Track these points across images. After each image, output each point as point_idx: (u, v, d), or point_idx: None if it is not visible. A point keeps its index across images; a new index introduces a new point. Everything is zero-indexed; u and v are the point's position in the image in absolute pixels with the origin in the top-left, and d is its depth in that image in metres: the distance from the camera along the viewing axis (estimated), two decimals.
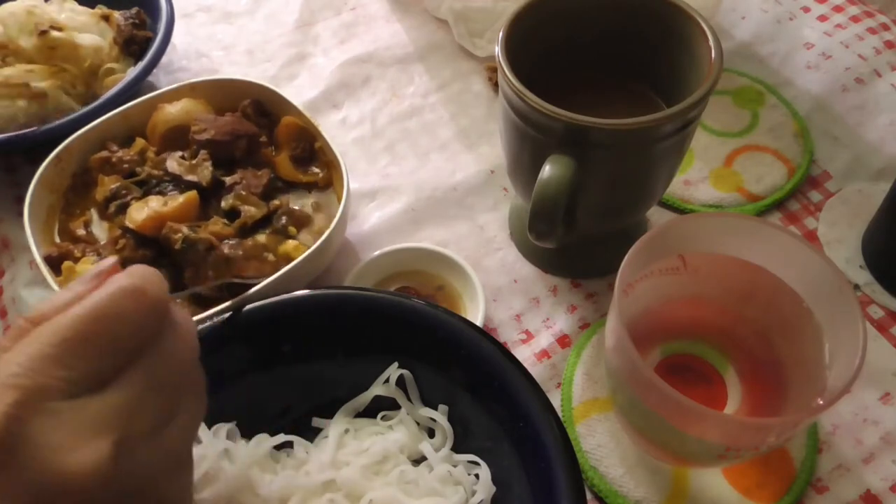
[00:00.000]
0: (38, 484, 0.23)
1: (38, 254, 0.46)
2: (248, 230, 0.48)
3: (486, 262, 0.52)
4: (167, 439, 0.27)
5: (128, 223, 0.47)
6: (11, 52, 0.60)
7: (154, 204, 0.47)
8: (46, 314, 0.26)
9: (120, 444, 0.24)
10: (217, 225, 0.47)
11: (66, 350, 0.24)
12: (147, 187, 0.50)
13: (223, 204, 0.49)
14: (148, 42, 0.62)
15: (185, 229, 0.46)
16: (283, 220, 0.49)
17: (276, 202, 0.50)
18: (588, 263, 0.51)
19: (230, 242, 0.46)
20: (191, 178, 0.49)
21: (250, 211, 0.48)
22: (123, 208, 0.49)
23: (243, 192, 0.49)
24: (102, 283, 0.27)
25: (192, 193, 0.48)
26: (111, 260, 0.29)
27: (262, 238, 0.47)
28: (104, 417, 0.25)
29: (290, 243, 0.47)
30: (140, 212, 0.47)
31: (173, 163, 0.50)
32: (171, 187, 0.49)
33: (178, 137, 0.52)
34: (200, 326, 0.40)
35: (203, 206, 0.49)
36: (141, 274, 0.27)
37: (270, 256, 0.46)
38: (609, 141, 0.38)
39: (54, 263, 0.47)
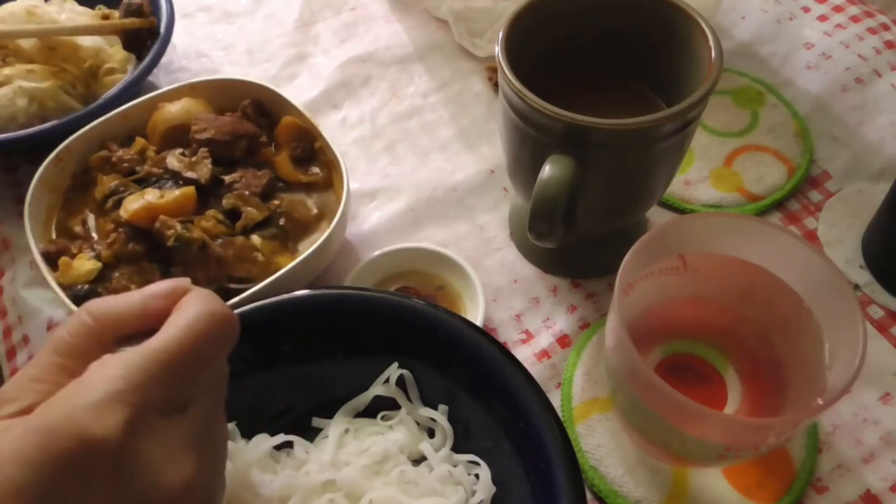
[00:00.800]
0: (143, 496, 0.25)
1: (37, 252, 0.46)
2: (247, 231, 0.48)
3: (486, 262, 0.52)
4: (222, 453, 0.30)
5: (121, 213, 0.47)
6: (11, 52, 0.60)
7: (149, 196, 0.47)
8: (113, 314, 0.28)
9: (200, 461, 0.27)
10: (210, 221, 0.47)
11: (168, 371, 0.26)
12: (146, 185, 0.50)
13: (224, 202, 0.49)
14: (152, 32, 0.62)
15: (178, 226, 0.46)
16: (282, 221, 0.49)
17: (276, 202, 0.50)
18: (588, 263, 0.51)
19: (221, 241, 0.46)
20: (190, 174, 0.49)
21: (251, 213, 0.48)
22: (121, 203, 0.49)
23: (245, 192, 0.49)
24: (176, 301, 0.29)
25: (190, 188, 0.48)
26: (185, 281, 0.31)
27: (255, 240, 0.47)
28: (190, 436, 0.27)
29: (288, 257, 0.47)
30: (134, 203, 0.47)
31: (173, 159, 0.50)
32: (170, 184, 0.49)
33: (178, 137, 0.52)
34: None
35: (201, 204, 0.49)
36: (215, 300, 0.29)
37: (260, 256, 0.46)
38: (609, 141, 0.38)
39: (51, 259, 0.47)
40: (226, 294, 0.44)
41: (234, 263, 0.46)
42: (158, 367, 0.26)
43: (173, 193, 0.48)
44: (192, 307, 0.28)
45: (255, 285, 0.44)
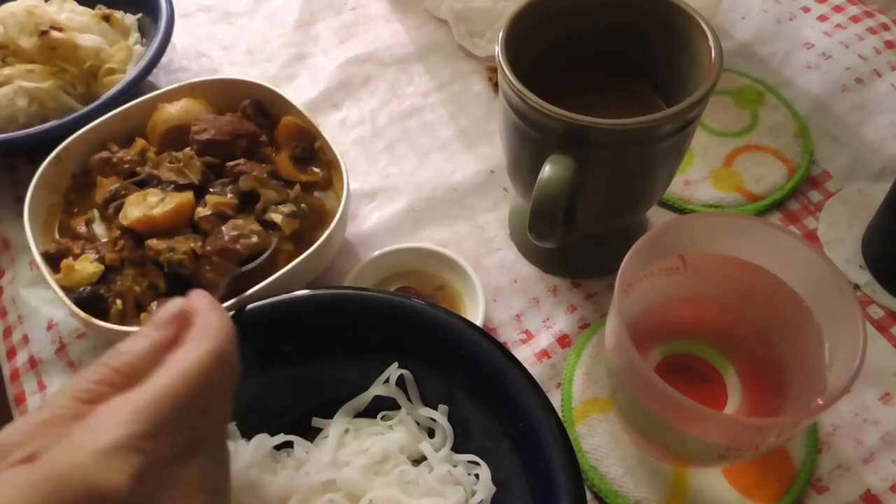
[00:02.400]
0: None
1: (37, 252, 0.46)
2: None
3: (486, 262, 0.52)
4: (228, 491, 0.30)
5: (121, 219, 0.47)
6: (11, 52, 0.60)
7: (152, 199, 0.47)
8: (134, 363, 0.28)
9: (211, 502, 0.27)
10: (188, 242, 0.46)
11: (176, 414, 0.26)
12: (147, 188, 0.50)
13: (241, 183, 0.49)
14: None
15: (164, 250, 0.46)
16: (302, 204, 0.49)
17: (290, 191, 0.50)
18: (588, 263, 0.51)
19: (211, 238, 0.46)
20: (183, 181, 0.49)
21: (270, 194, 0.48)
22: (122, 208, 0.49)
23: (263, 175, 0.49)
24: (179, 328, 0.29)
25: (186, 196, 0.48)
26: (190, 301, 0.31)
27: (276, 217, 0.47)
28: (201, 480, 0.27)
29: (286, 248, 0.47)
30: (134, 209, 0.47)
31: (165, 170, 0.50)
32: (171, 186, 0.49)
33: (177, 137, 0.52)
34: None
35: (199, 201, 0.49)
36: (217, 329, 0.29)
37: (255, 239, 0.46)
38: (609, 141, 0.38)
39: (53, 260, 0.47)
40: (241, 283, 0.44)
41: (235, 245, 0.46)
42: (167, 410, 0.26)
43: (169, 205, 0.47)
44: (199, 344, 0.28)
45: (258, 260, 0.44)
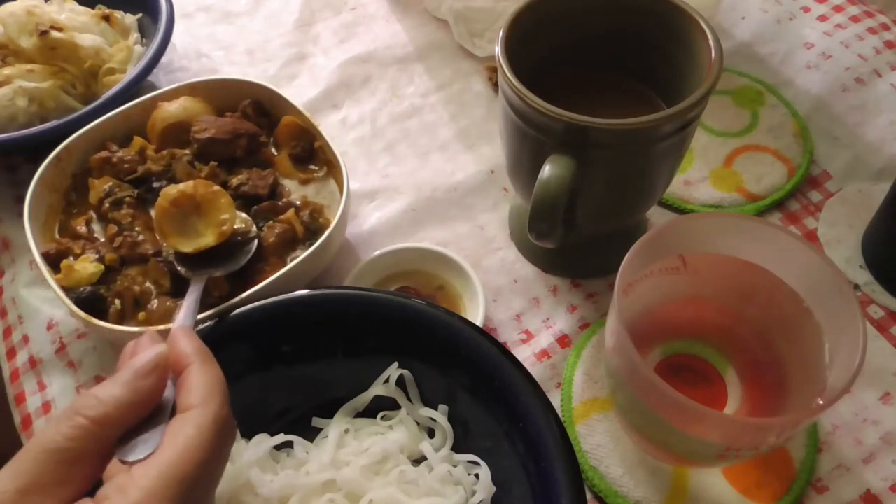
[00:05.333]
0: None
1: (37, 252, 0.46)
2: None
3: (486, 262, 0.52)
4: None
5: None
6: (11, 52, 0.60)
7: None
8: (110, 414, 0.27)
9: None
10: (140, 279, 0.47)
11: (188, 492, 0.26)
12: (145, 185, 0.51)
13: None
14: None
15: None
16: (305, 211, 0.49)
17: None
18: (588, 263, 0.51)
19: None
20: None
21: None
22: (119, 204, 0.49)
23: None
24: (164, 375, 0.29)
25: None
26: (161, 351, 0.29)
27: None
28: None
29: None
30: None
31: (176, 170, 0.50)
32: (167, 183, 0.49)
33: (177, 135, 0.52)
34: (200, 326, 0.40)
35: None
36: (211, 390, 0.28)
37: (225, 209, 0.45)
38: (609, 141, 0.38)
39: (53, 261, 0.46)
40: (242, 285, 0.44)
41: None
42: (179, 490, 0.25)
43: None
44: (200, 414, 0.28)
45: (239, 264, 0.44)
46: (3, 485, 0.25)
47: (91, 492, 0.27)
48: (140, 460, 0.27)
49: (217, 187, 0.45)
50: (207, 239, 0.44)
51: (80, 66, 0.60)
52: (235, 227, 0.46)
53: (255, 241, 0.46)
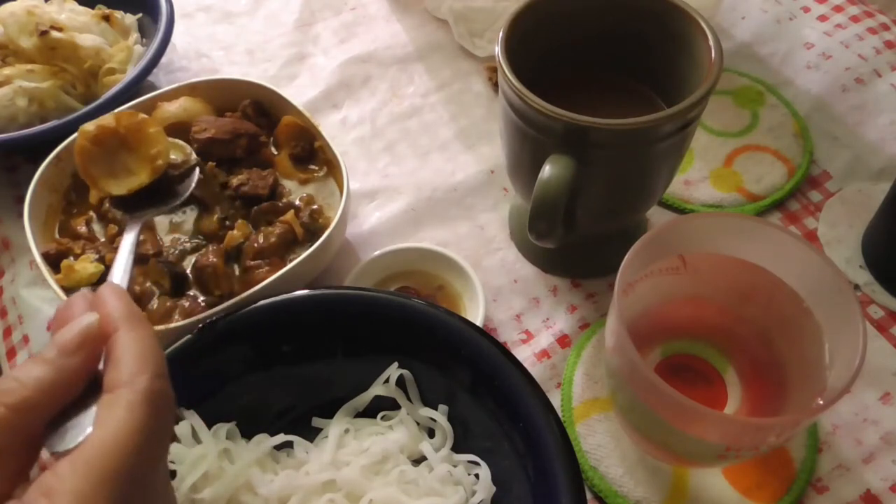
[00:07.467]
0: None
1: (37, 253, 0.46)
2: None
3: (486, 262, 0.52)
4: None
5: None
6: (11, 52, 0.60)
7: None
8: (30, 398, 0.24)
9: None
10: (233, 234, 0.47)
11: (126, 482, 0.23)
12: None
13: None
14: None
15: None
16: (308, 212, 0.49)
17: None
18: (588, 263, 0.51)
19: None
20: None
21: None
22: None
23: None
24: (93, 351, 0.26)
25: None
26: (89, 320, 0.26)
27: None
28: None
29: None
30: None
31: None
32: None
33: (176, 135, 0.52)
34: (200, 326, 0.40)
35: (202, 217, 0.49)
36: (143, 361, 0.25)
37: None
38: (609, 141, 0.38)
39: (53, 261, 0.46)
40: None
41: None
42: (114, 487, 0.22)
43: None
44: (128, 392, 0.24)
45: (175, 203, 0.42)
46: None
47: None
48: (70, 450, 0.24)
49: (143, 115, 0.39)
50: (140, 177, 0.39)
51: (80, 66, 0.60)
52: (171, 158, 0.41)
53: (196, 170, 0.41)
